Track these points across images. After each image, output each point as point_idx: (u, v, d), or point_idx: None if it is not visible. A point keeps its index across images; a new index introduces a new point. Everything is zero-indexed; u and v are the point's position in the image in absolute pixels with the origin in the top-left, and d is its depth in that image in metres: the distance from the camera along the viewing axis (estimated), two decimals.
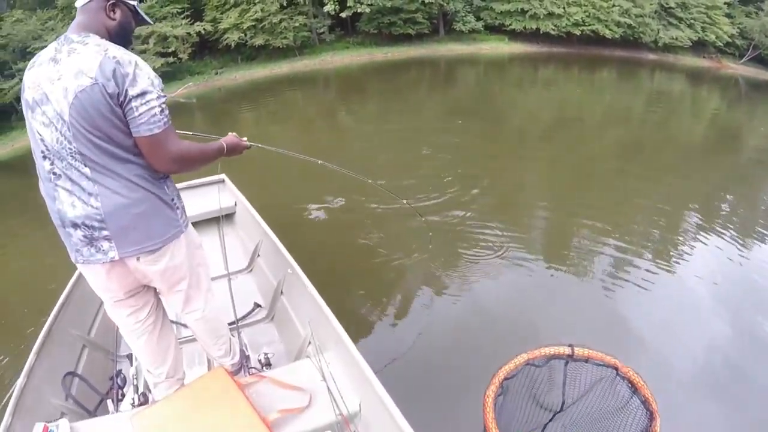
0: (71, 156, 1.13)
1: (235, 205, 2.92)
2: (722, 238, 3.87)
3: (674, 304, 2.95)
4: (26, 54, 14.71)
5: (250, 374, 1.63)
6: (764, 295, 3.08)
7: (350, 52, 16.20)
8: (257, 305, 2.25)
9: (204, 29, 15.60)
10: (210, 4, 16.22)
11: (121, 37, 1.23)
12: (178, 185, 2.90)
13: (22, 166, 13.16)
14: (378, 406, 1.28)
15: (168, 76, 15.69)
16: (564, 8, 18.52)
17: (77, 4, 1.21)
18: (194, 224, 2.69)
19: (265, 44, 15.65)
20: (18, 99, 15.09)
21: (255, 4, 15.64)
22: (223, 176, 3.14)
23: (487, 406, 1.10)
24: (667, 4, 20.34)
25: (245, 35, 15.63)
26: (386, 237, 3.84)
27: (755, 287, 3.18)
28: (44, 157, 1.16)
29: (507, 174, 5.56)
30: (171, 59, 15.49)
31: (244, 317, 2.16)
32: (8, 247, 5.55)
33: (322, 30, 16.45)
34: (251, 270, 2.56)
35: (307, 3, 15.96)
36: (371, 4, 15.78)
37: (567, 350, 1.26)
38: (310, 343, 1.73)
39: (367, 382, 1.35)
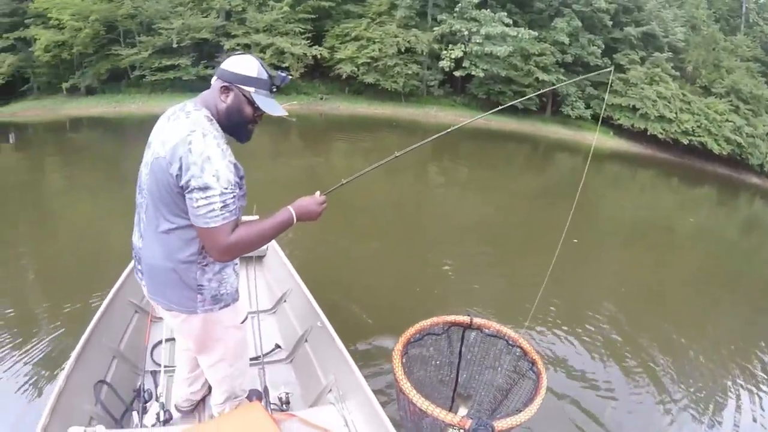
0: (144, 198, 1.31)
1: (266, 248, 3.05)
2: None
3: None
4: (150, 29, 15.74)
5: (271, 409, 1.75)
6: None
7: (454, 111, 16.19)
8: (278, 346, 2.38)
9: (321, 54, 16.12)
10: (332, 32, 16.81)
11: (229, 120, 1.28)
12: None
13: (119, 128, 14.05)
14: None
15: (276, 88, 16.24)
16: (676, 113, 17.83)
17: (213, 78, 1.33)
18: None
19: (374, 83, 15.95)
20: (133, 67, 16.09)
21: (374, 42, 16.04)
22: (257, 217, 3.23)
23: (395, 362, 1.10)
24: None
25: (358, 70, 16.00)
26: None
27: None
28: (138, 186, 1.35)
29: (571, 267, 5.11)
30: (283, 74, 16.03)
31: (265, 354, 2.28)
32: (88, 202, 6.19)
33: (432, 83, 16.61)
34: (275, 312, 2.69)
35: (424, 54, 16.17)
36: (486, 70, 15.76)
37: (466, 319, 1.35)
38: (331, 390, 1.87)
39: None
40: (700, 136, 18.19)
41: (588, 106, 17.16)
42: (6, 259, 4.34)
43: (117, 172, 8.14)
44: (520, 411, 1.04)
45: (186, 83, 16.03)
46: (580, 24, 17.31)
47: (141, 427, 1.72)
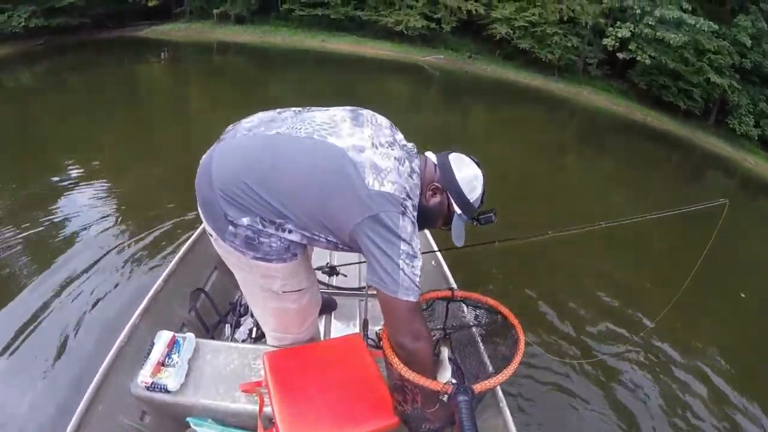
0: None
1: None
2: None
3: None
4: None
5: (368, 344, 1.72)
6: None
7: (609, 97, 14.95)
8: None
9: (476, 10, 15.22)
10: None
11: (418, 214, 1.08)
12: None
13: (262, 56, 14.64)
14: (493, 409, 1.42)
15: (424, 39, 15.69)
16: None
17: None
18: None
19: (529, 49, 14.94)
20: (282, 0, 16.07)
21: (535, 6, 14.89)
22: None
23: (384, 341, 1.20)
24: None
25: (513, 33, 15.02)
26: None
27: None
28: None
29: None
30: (433, 25, 15.42)
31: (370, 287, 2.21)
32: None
33: (591, 61, 15.33)
34: None
35: (587, 27, 14.86)
36: (653, 57, 14.29)
37: (448, 293, 1.46)
38: None
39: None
40: None
41: (757, 125, 15.28)
42: (144, 159, 4.83)
43: (254, 95, 8.68)
44: (498, 373, 1.17)
45: (333, 21, 16.11)
46: (766, 27, 15.15)
47: (232, 340, 1.69)
